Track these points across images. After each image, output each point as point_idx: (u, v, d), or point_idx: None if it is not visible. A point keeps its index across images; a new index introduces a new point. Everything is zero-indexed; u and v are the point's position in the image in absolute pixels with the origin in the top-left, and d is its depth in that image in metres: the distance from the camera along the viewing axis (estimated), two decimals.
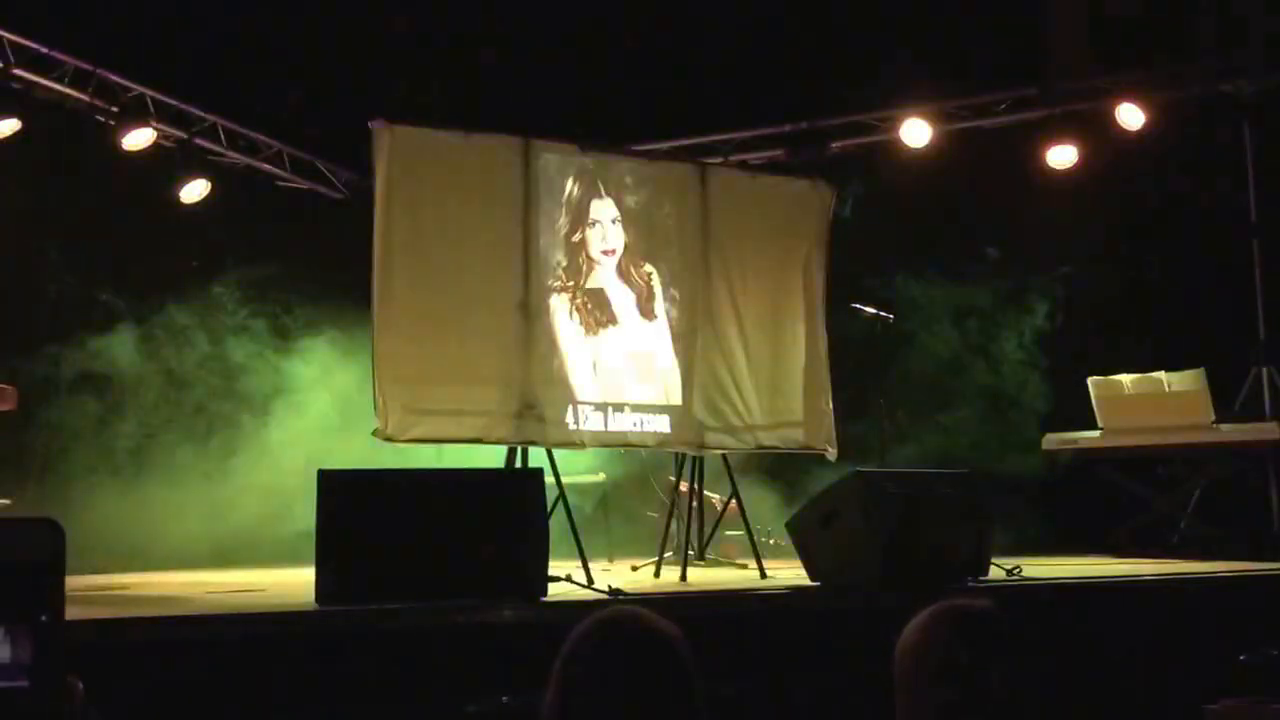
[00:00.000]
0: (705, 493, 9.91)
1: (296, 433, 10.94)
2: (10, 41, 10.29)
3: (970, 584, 7.70)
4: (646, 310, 9.28)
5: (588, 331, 9.03)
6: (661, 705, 2.64)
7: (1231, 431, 10.31)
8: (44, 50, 10.51)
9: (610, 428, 9.05)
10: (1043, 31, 11.14)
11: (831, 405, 9.81)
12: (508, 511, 6.89)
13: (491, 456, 8.81)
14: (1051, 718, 2.86)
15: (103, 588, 7.96)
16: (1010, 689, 2.81)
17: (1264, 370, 11.06)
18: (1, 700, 2.54)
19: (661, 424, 9.25)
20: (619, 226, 9.24)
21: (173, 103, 11.60)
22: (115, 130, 10.93)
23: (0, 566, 2.56)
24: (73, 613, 2.81)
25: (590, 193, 9.16)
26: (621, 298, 9.21)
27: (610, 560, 10.14)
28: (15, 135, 10.19)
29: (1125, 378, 10.78)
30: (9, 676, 2.56)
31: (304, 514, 9.08)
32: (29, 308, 10.30)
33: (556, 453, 8.74)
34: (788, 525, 8.08)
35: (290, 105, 11.96)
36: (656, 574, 9.06)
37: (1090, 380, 10.87)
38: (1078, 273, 11.69)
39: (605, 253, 9.18)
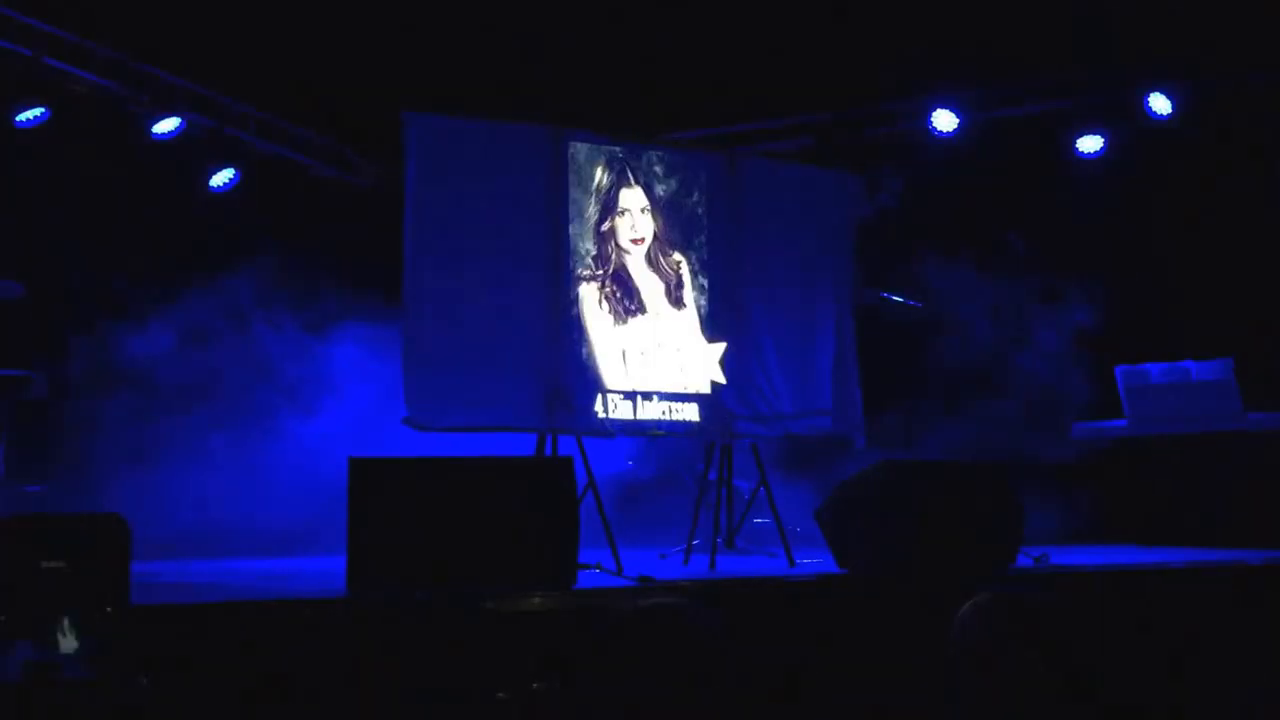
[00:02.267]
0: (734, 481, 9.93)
1: (324, 422, 10.96)
2: (40, 31, 10.32)
3: (998, 572, 7.71)
4: (676, 299, 9.29)
5: (617, 320, 9.05)
6: (700, 692, 2.66)
7: (1260, 421, 10.28)
8: (74, 39, 10.54)
9: (639, 416, 9.06)
10: (1073, 18, 11.07)
11: (860, 393, 9.83)
12: (539, 499, 6.90)
13: (520, 446, 8.84)
14: (1089, 703, 2.87)
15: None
16: (1063, 678, 2.82)
17: None
18: (70, 691, 2.57)
19: (690, 412, 9.26)
20: (648, 215, 9.25)
21: (202, 91, 11.62)
22: (144, 119, 10.96)
23: (68, 561, 2.59)
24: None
25: (620, 181, 9.16)
26: (651, 286, 9.21)
27: (638, 548, 10.14)
28: (45, 124, 10.23)
29: (1153, 367, 10.75)
30: (77, 668, 2.59)
31: (321, 504, 9.19)
32: (57, 296, 10.33)
33: (586, 441, 8.75)
34: (816, 513, 8.08)
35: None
36: (685, 562, 9.09)
37: (1118, 369, 10.85)
38: (1109, 261, 11.65)
39: (634, 241, 9.19)
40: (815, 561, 8.73)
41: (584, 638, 2.76)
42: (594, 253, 9.02)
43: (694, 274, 9.38)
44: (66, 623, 2.63)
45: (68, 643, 2.62)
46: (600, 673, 2.70)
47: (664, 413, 9.16)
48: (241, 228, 11.81)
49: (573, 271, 8.90)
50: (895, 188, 11.56)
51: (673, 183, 9.38)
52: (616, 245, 9.12)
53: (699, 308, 9.38)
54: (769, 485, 9.43)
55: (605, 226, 9.10)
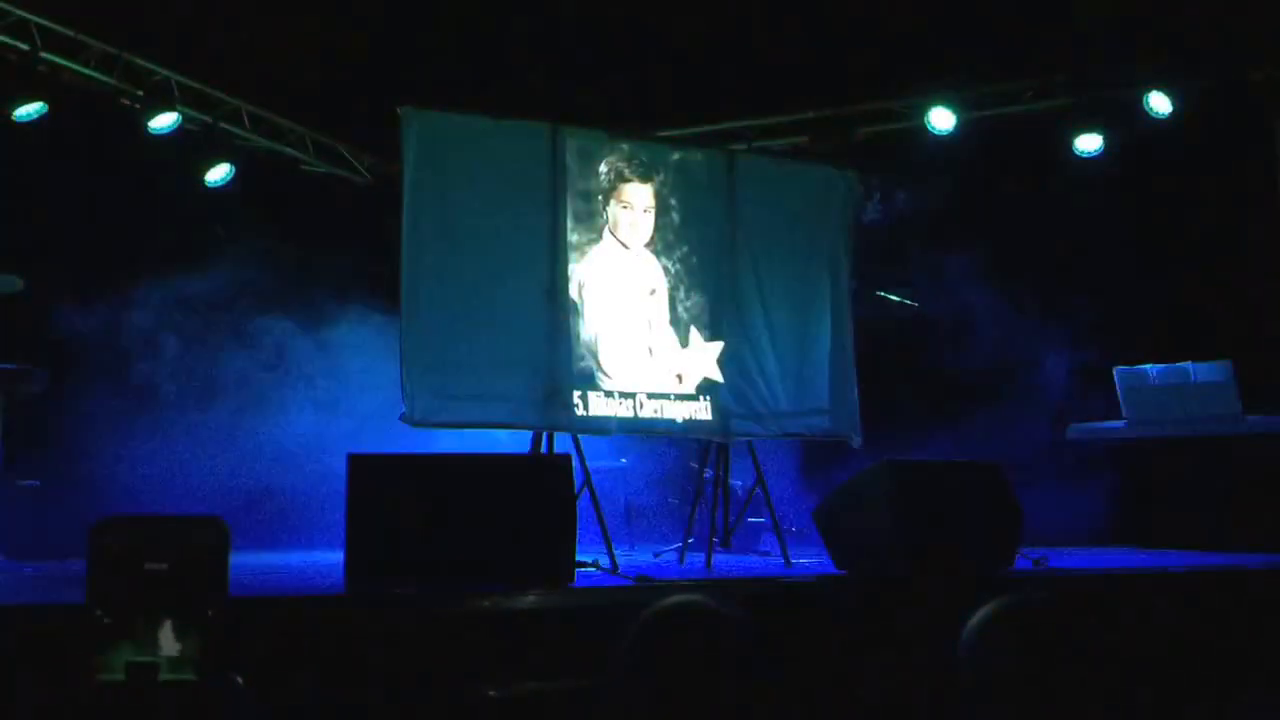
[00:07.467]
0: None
1: (322, 418, 10.92)
2: (36, 25, 10.29)
3: (998, 574, 7.69)
4: (674, 296, 9.27)
5: (614, 318, 9.02)
6: (729, 690, 2.64)
7: (1259, 424, 10.24)
8: (70, 34, 10.51)
9: (636, 414, 9.04)
10: (1071, 16, 11.04)
11: (857, 393, 9.80)
12: (536, 497, 6.89)
13: (517, 444, 8.82)
14: (1094, 709, 2.86)
15: None
16: (1071, 682, 2.81)
17: None
18: (170, 693, 2.56)
19: (687, 411, 9.23)
20: (646, 212, 9.23)
21: (198, 86, 11.59)
22: (140, 114, 10.93)
23: (169, 563, 2.58)
24: None
25: (618, 179, 9.14)
26: (648, 284, 9.19)
27: (632, 546, 10.13)
28: (41, 119, 10.20)
29: (1151, 368, 10.71)
30: (177, 670, 2.58)
31: (318, 500, 9.15)
32: (53, 292, 10.28)
33: (583, 438, 8.72)
34: (814, 513, 8.08)
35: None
36: (681, 561, 9.06)
37: (1116, 370, 10.81)
38: (1107, 261, 11.62)
39: (633, 238, 9.16)
40: (812, 562, 8.71)
41: (614, 635, 2.75)
42: (592, 249, 8.99)
43: (692, 272, 9.35)
44: (168, 625, 2.63)
45: (169, 645, 2.62)
46: (631, 670, 2.69)
47: (660, 411, 9.12)
48: (240, 224, 11.76)
49: (571, 268, 8.87)
50: (902, 199, 11.52)
51: (671, 180, 9.35)
52: (615, 241, 9.09)
53: (697, 306, 9.35)
54: (765, 485, 9.41)
55: (604, 223, 9.07)
